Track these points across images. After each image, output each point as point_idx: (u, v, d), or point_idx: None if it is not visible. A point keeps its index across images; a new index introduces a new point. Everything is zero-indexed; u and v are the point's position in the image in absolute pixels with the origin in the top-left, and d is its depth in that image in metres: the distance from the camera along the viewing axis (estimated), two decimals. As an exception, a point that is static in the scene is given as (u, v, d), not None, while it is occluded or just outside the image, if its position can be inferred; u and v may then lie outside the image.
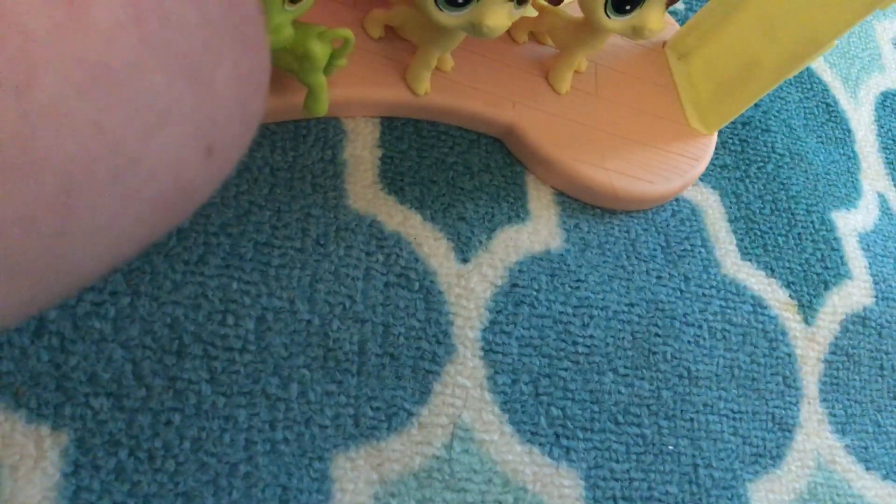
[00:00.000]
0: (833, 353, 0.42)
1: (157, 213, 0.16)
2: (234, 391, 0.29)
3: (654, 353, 0.37)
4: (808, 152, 0.49)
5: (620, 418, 0.35)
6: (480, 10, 0.30)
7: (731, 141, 0.46)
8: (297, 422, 0.29)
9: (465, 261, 0.35)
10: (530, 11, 0.39)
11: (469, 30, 0.31)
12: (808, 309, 0.43)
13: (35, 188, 0.12)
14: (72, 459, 0.26)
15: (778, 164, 0.47)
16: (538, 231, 0.37)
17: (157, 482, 0.26)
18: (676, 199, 0.42)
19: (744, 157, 0.46)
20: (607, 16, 0.34)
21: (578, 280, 0.37)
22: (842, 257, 0.46)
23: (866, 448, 0.41)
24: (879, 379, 0.43)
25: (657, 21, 0.34)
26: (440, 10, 0.30)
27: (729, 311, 0.40)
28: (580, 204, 0.39)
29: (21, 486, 0.25)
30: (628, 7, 0.33)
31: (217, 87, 0.16)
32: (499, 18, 0.30)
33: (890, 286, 0.47)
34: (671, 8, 0.49)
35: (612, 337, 0.36)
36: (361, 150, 0.35)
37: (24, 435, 0.25)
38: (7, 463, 0.25)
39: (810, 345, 0.42)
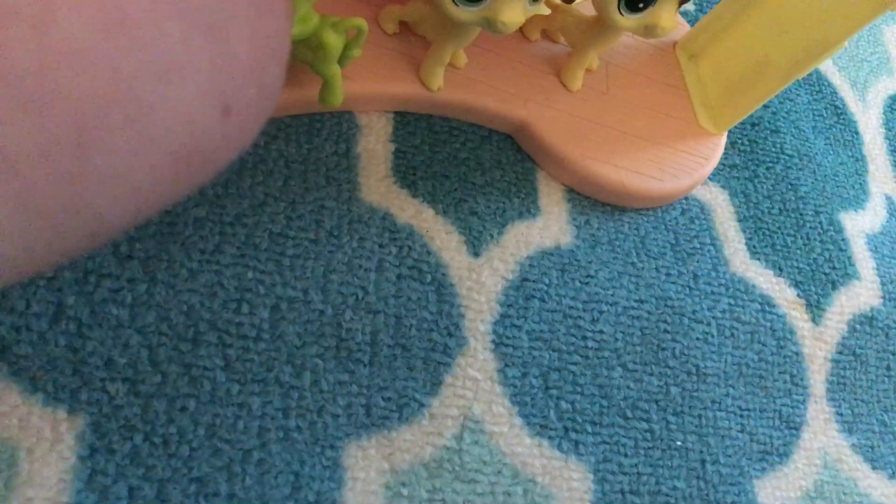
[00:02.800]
0: (840, 352, 0.42)
1: (175, 168, 0.16)
2: (248, 379, 0.29)
3: (663, 350, 0.37)
4: (816, 154, 0.49)
5: (629, 413, 0.35)
6: (495, 5, 0.30)
7: (740, 141, 0.47)
8: (310, 410, 0.29)
9: (476, 255, 0.35)
10: (543, 9, 0.39)
11: (484, 25, 0.31)
12: (815, 308, 0.43)
13: (48, 123, 0.13)
14: (87, 443, 0.26)
15: (787, 165, 0.47)
16: (549, 227, 0.37)
17: (172, 467, 0.27)
18: (686, 198, 0.42)
19: (753, 157, 0.46)
20: (620, 14, 0.34)
21: (588, 276, 0.37)
22: (850, 258, 0.46)
23: (873, 447, 0.41)
24: (886, 379, 0.43)
25: (669, 19, 0.34)
26: (456, 5, 0.30)
27: (737, 309, 0.40)
28: (590, 201, 0.40)
29: (37, 469, 0.25)
30: (641, 5, 0.34)
31: (233, 46, 0.16)
32: (514, 14, 0.30)
33: (897, 287, 0.47)
34: (682, 9, 0.49)
35: (621, 332, 0.36)
36: (375, 145, 0.36)
37: (41, 418, 0.26)
38: (24, 446, 0.25)
39: (818, 344, 0.42)
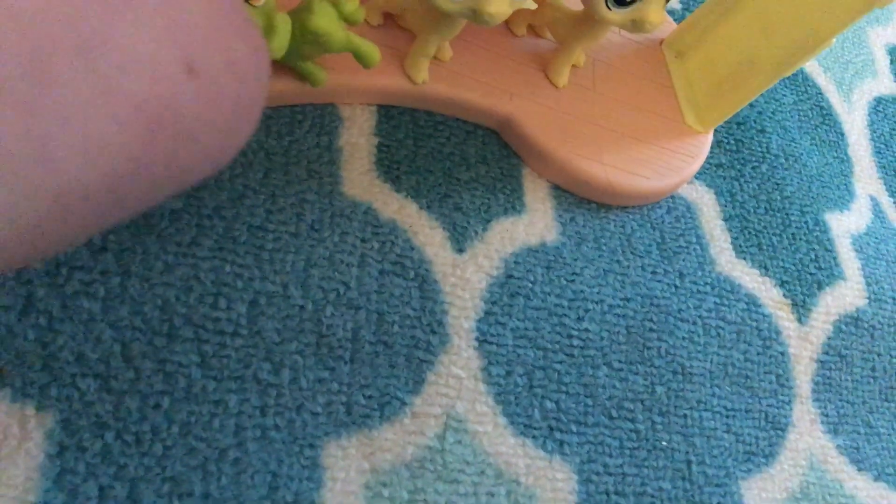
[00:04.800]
0: (826, 353, 0.42)
1: (145, 125, 0.15)
2: (225, 375, 0.28)
3: (649, 349, 0.37)
4: (802, 154, 0.49)
5: (614, 413, 0.34)
6: (482, -4, 0.29)
7: (726, 140, 0.46)
8: (289, 408, 0.28)
9: (460, 251, 0.34)
10: (530, 3, 0.38)
11: (470, 16, 0.30)
12: (801, 308, 0.43)
13: (2, 46, 0.12)
14: (57, 440, 0.25)
15: (772, 165, 0.47)
16: (534, 223, 0.37)
17: (144, 466, 0.26)
18: (672, 197, 0.42)
19: (739, 156, 0.46)
20: (608, 8, 0.34)
21: (574, 273, 0.36)
22: (835, 258, 0.46)
23: (858, 449, 0.41)
24: (871, 380, 0.43)
25: (657, 14, 0.33)
26: (441, -5, 0.30)
27: (723, 308, 0.40)
28: (576, 198, 0.39)
29: (4, 467, 0.24)
30: (629, -1, 0.33)
31: (187, 5, 0.15)
32: (500, 5, 0.30)
33: (882, 288, 0.47)
34: (668, 7, 0.49)
35: (606, 331, 0.36)
36: (357, 138, 0.35)
37: (9, 415, 0.25)
38: (-10, 443, 0.24)
39: (803, 344, 0.42)
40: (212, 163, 0.20)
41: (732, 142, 0.46)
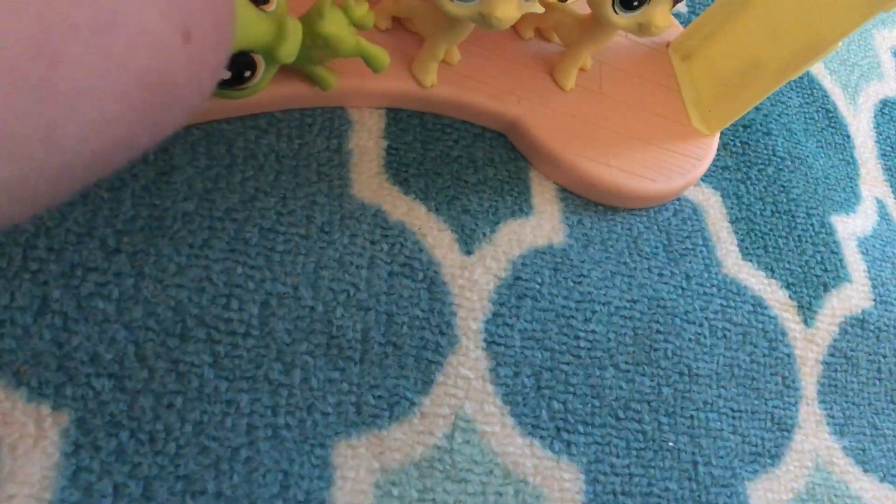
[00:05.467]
0: (832, 354, 0.42)
1: (142, 97, 0.15)
2: (237, 375, 0.28)
3: (655, 350, 0.37)
4: (808, 156, 0.49)
5: (621, 413, 0.35)
6: (490, 1, 0.30)
7: (732, 143, 0.47)
8: (300, 408, 0.29)
9: (468, 252, 0.35)
10: (537, 7, 0.39)
11: (478, 21, 0.31)
12: (807, 310, 0.43)
13: (14, 26, 0.12)
14: (72, 439, 0.25)
15: (779, 168, 0.47)
16: (541, 225, 0.37)
17: (158, 464, 0.26)
18: (678, 199, 0.42)
19: (745, 159, 0.46)
20: (615, 12, 0.34)
21: (581, 275, 0.37)
22: (841, 260, 0.46)
23: (864, 450, 0.41)
24: (877, 382, 0.43)
25: (664, 18, 0.34)
26: (451, 0, 0.30)
27: (729, 310, 0.40)
28: (583, 200, 0.39)
29: (20, 465, 0.24)
30: (636, 3, 0.33)
31: None
32: (508, 10, 0.30)
33: (888, 290, 0.47)
34: (674, 10, 0.49)
35: (613, 332, 0.36)
36: (367, 141, 0.35)
37: (25, 414, 0.25)
38: (6, 442, 0.25)
39: (809, 346, 0.42)
40: (187, 116, 0.20)
41: (738, 144, 0.47)
